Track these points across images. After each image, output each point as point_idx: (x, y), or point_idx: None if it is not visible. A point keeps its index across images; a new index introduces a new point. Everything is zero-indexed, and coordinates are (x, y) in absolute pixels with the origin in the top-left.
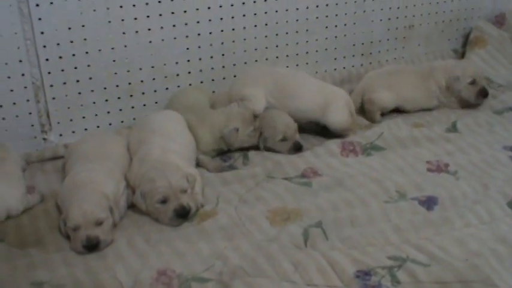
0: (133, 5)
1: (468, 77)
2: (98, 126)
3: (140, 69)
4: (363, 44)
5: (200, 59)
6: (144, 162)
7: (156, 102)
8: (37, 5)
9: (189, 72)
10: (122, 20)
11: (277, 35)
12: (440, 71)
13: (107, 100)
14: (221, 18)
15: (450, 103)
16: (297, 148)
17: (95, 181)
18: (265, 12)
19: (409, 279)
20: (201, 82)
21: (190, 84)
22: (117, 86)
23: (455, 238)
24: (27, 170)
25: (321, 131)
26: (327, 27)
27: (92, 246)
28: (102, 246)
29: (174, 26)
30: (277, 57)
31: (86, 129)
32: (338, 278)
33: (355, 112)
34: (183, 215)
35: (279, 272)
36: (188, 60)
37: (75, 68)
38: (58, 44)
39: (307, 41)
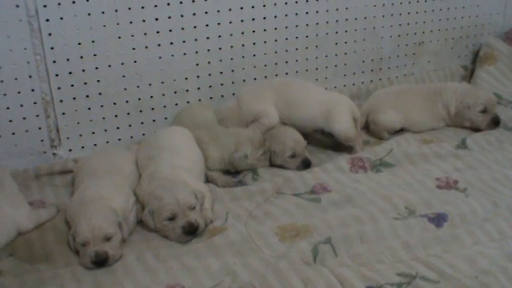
0: (143, 21)
1: (479, 105)
2: (107, 142)
3: (150, 84)
4: (372, 60)
5: (210, 74)
6: (153, 179)
7: (165, 118)
8: (47, 20)
9: (199, 88)
10: (132, 35)
11: (286, 51)
12: (450, 95)
13: (116, 115)
14: (231, 34)
15: (458, 125)
16: (306, 165)
17: (104, 196)
18: (275, 28)
19: None
20: (211, 98)
21: (200, 100)
22: (126, 101)
23: (465, 255)
24: (35, 184)
25: (330, 143)
26: (336, 43)
27: (101, 261)
28: (111, 261)
29: (184, 41)
30: (286, 73)
31: (95, 145)
32: None
33: (360, 129)
34: (191, 232)
35: None
36: (198, 76)
37: (85, 83)
38: (68, 60)
39: (316, 57)
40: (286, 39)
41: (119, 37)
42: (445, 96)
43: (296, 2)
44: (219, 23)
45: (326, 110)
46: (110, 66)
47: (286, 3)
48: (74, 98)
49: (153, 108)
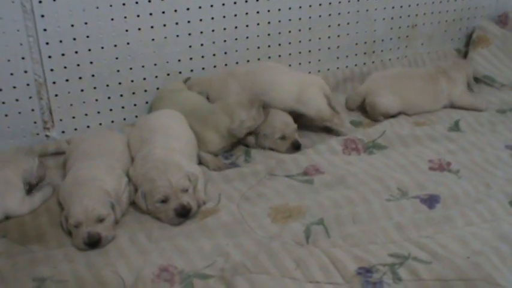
0: (136, 2)
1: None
2: (100, 124)
3: (143, 66)
4: (365, 43)
5: (203, 56)
6: (146, 162)
7: None
8: (40, 2)
9: (192, 70)
10: (125, 17)
11: (279, 33)
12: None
13: (109, 97)
14: (224, 16)
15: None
16: (296, 147)
17: (96, 178)
18: (268, 11)
19: (411, 277)
20: None
21: (189, 78)
22: (119, 83)
23: (457, 236)
24: None
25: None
26: (329, 25)
27: (94, 243)
28: (103, 242)
29: (176, 23)
30: (279, 55)
31: (88, 127)
32: (340, 275)
33: (354, 109)
34: (183, 214)
35: (281, 268)
36: (191, 58)
37: (78, 65)
38: (61, 41)
39: (310, 40)
40: (279, 21)
41: (112, 19)
42: (450, 73)
43: None
44: (212, 5)
45: (296, 92)
46: (102, 48)
47: None
48: (67, 80)
49: (146, 90)
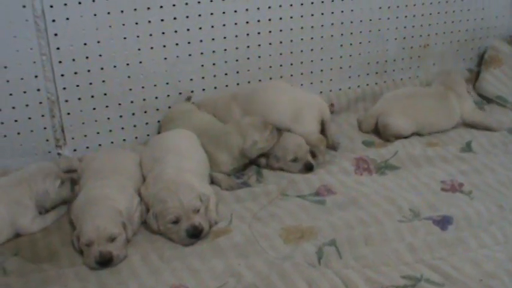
0: (149, 22)
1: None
2: (112, 142)
3: (155, 85)
4: (377, 62)
5: (215, 76)
6: (158, 182)
7: None
8: (53, 21)
9: (204, 89)
10: (137, 36)
11: (291, 52)
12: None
13: (121, 116)
14: (236, 36)
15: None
16: (308, 168)
17: (108, 197)
18: (280, 30)
19: None
20: None
21: (192, 91)
22: (131, 102)
23: (470, 258)
24: None
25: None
26: (341, 45)
27: (105, 261)
28: (115, 262)
29: (189, 43)
30: (291, 75)
31: (100, 145)
32: None
33: (369, 131)
34: (195, 235)
35: None
36: (203, 77)
37: (90, 83)
38: (73, 60)
39: (321, 59)
40: (291, 41)
41: (124, 38)
42: (455, 86)
43: (302, 4)
44: (224, 25)
45: (292, 111)
46: (115, 66)
47: (291, 5)
48: (79, 98)
49: (157, 109)
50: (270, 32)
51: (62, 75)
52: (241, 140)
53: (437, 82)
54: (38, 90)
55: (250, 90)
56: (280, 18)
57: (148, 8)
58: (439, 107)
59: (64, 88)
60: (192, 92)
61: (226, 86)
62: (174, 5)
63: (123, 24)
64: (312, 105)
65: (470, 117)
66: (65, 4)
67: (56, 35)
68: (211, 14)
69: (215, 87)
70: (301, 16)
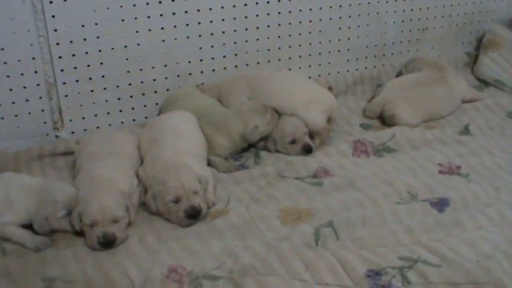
0: (147, 3)
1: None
2: (110, 124)
3: (153, 67)
4: (375, 45)
5: (213, 58)
6: (157, 163)
7: None
8: (50, 2)
9: (202, 72)
10: (135, 18)
11: (290, 35)
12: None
13: (119, 98)
14: (234, 18)
15: None
16: (307, 150)
17: (112, 178)
18: (279, 13)
19: (420, 280)
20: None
21: (203, 83)
22: (129, 84)
23: (467, 240)
24: (38, 165)
25: None
26: (340, 28)
27: (109, 242)
28: (117, 243)
29: (187, 25)
30: (290, 57)
31: (97, 127)
32: (349, 278)
33: (373, 119)
34: (193, 215)
35: (290, 270)
36: (201, 60)
37: (88, 65)
38: (71, 42)
39: (320, 42)
40: (290, 23)
41: (122, 20)
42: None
43: None
44: (222, 7)
45: (306, 101)
46: (113, 48)
47: None
48: (77, 81)
49: (156, 91)
50: (268, 14)
51: (60, 57)
52: (242, 125)
53: (427, 67)
54: (36, 72)
55: (267, 73)
56: (279, 1)
57: None
58: (443, 93)
59: (62, 70)
60: (190, 74)
61: (225, 68)
62: None
63: (121, 6)
64: (325, 100)
65: (469, 94)
66: None
67: (53, 16)
68: None
69: (213, 70)
70: None
